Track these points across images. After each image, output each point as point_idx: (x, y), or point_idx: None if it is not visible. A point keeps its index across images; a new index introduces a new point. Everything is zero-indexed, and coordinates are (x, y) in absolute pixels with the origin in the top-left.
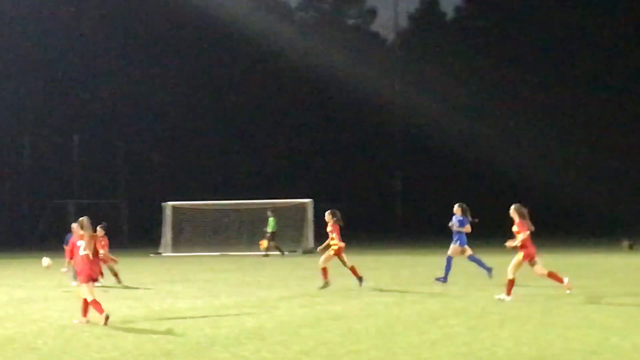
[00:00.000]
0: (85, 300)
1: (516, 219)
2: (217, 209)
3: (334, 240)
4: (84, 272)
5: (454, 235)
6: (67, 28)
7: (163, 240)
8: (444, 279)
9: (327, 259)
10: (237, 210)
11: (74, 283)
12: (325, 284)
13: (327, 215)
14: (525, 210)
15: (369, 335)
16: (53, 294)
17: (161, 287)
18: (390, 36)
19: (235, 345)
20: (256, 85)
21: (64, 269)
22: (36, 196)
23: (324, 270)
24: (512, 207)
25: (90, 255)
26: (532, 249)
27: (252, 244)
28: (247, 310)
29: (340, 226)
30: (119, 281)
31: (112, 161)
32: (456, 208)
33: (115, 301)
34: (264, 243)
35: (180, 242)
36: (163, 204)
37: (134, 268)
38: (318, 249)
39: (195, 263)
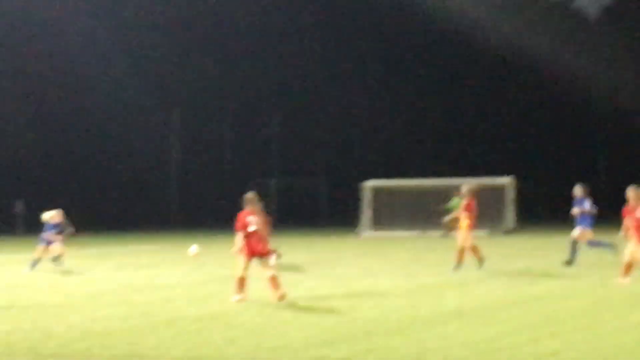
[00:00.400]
0: (241, 278)
1: None
2: (416, 188)
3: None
4: (251, 248)
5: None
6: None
7: (362, 220)
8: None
9: (467, 238)
10: (436, 189)
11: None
12: (481, 261)
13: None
14: None
15: (573, 316)
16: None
17: (361, 266)
18: (593, 13)
19: (436, 325)
20: (458, 66)
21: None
22: (238, 175)
23: (475, 249)
24: None
25: (259, 232)
26: None
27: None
28: (446, 290)
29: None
30: None
31: (312, 140)
32: (578, 190)
33: (316, 280)
34: (450, 223)
35: (380, 221)
36: (362, 183)
37: (334, 247)
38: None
39: (394, 242)
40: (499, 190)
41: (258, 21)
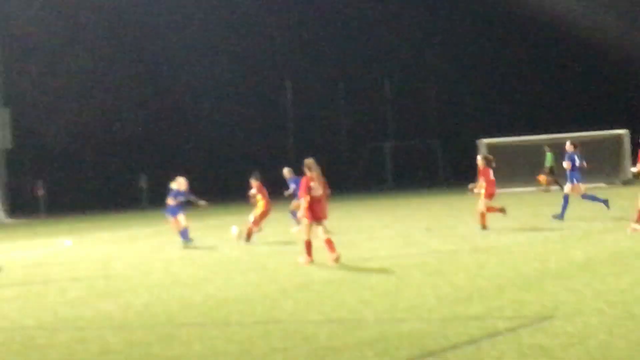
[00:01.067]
0: (308, 242)
1: None
2: (532, 144)
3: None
4: (312, 212)
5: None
6: None
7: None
8: (561, 216)
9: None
10: (551, 145)
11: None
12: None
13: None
14: None
15: None
16: (380, 235)
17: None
18: None
19: (566, 277)
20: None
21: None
22: (353, 139)
23: (483, 216)
24: None
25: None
26: None
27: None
28: (573, 243)
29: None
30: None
31: (424, 102)
32: (568, 145)
33: (440, 239)
34: (543, 178)
35: (496, 178)
36: (478, 141)
37: (454, 206)
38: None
39: (513, 199)
40: (615, 142)
41: None
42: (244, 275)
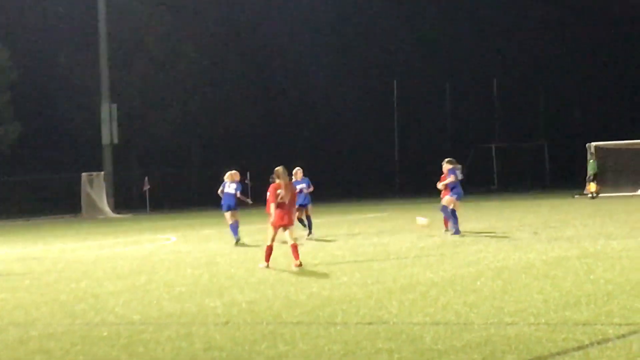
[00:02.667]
0: None
1: None
2: None
3: None
4: (279, 218)
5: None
6: None
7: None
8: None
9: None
10: None
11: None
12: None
13: None
14: None
15: None
16: (477, 239)
17: (591, 228)
18: None
19: None
20: None
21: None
22: (459, 141)
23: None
24: None
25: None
26: None
27: None
28: None
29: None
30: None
31: (531, 103)
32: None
33: (547, 242)
34: (592, 186)
35: (605, 181)
36: (588, 144)
37: (561, 209)
38: None
39: (621, 203)
40: None
41: None
42: (350, 275)
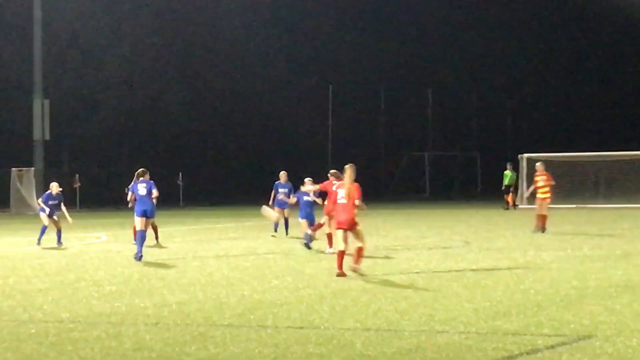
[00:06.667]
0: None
1: None
2: (572, 161)
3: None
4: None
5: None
6: None
7: (519, 193)
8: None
9: None
10: (593, 163)
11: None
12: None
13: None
14: None
15: None
16: (414, 243)
17: (522, 239)
18: None
19: (606, 297)
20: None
21: None
22: (392, 148)
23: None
24: None
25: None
26: None
27: (610, 196)
28: (612, 262)
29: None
30: None
31: (465, 113)
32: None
33: (478, 253)
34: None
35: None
36: (519, 155)
37: (491, 220)
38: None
39: (552, 215)
40: None
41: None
42: (281, 279)
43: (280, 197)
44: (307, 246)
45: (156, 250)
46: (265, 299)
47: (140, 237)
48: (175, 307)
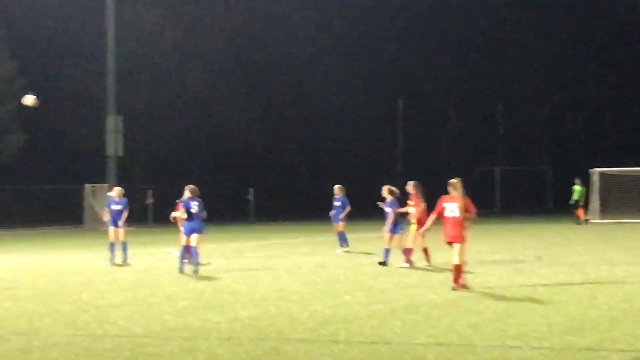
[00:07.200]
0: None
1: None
2: None
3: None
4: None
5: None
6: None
7: (591, 207)
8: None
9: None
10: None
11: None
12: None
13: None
14: None
15: None
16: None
17: (594, 254)
18: None
19: None
20: None
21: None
22: (463, 163)
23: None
24: None
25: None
26: None
27: None
28: None
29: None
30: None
31: (536, 127)
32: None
33: (551, 267)
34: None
35: (608, 208)
36: (590, 170)
37: (563, 235)
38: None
39: (624, 230)
40: None
41: (481, 14)
42: (353, 294)
43: (333, 211)
44: (384, 263)
45: (230, 265)
46: (337, 314)
47: (186, 252)
48: (247, 322)
